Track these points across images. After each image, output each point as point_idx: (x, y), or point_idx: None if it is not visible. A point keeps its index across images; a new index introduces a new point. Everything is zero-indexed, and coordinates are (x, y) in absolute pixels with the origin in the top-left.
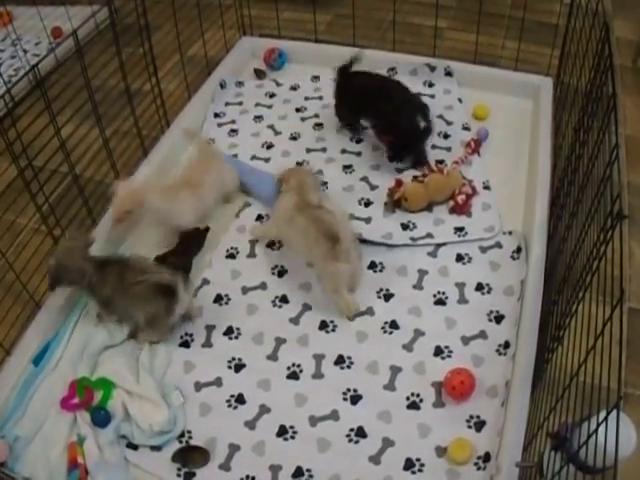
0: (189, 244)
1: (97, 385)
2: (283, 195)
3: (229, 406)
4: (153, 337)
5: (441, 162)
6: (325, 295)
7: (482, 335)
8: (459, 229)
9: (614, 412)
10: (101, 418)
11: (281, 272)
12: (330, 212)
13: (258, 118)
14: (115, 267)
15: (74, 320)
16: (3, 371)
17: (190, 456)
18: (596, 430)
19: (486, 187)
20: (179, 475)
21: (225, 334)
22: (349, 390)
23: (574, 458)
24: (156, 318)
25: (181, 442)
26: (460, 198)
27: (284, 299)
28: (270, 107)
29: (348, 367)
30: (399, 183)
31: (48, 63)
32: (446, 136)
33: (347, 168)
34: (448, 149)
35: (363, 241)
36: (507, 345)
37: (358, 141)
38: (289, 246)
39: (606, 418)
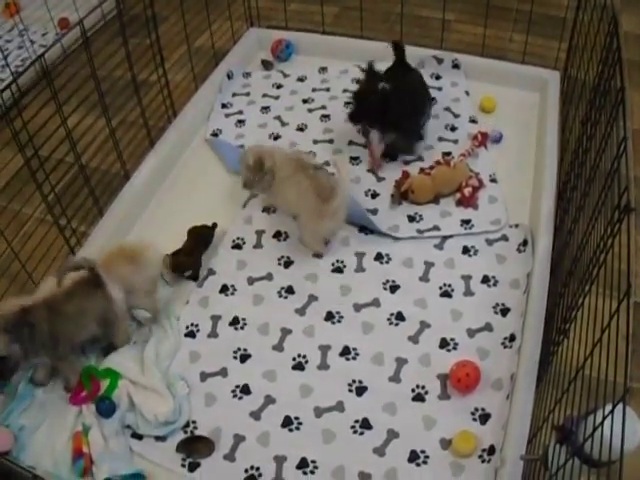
0: (198, 242)
1: (103, 375)
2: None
3: (234, 396)
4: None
5: (448, 154)
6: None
7: (488, 328)
8: (465, 222)
9: (619, 406)
10: (106, 408)
11: (287, 263)
12: (328, 174)
13: (265, 109)
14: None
15: None
16: None
17: (195, 446)
18: (602, 423)
19: (493, 180)
20: (183, 465)
21: (231, 324)
22: (354, 381)
23: (579, 451)
24: (107, 320)
25: (186, 432)
26: (467, 190)
27: (290, 290)
28: (277, 98)
29: (354, 358)
30: (406, 175)
31: (55, 53)
32: (453, 129)
33: (354, 160)
34: (455, 141)
35: (369, 232)
36: (513, 338)
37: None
38: (278, 199)
39: (612, 411)
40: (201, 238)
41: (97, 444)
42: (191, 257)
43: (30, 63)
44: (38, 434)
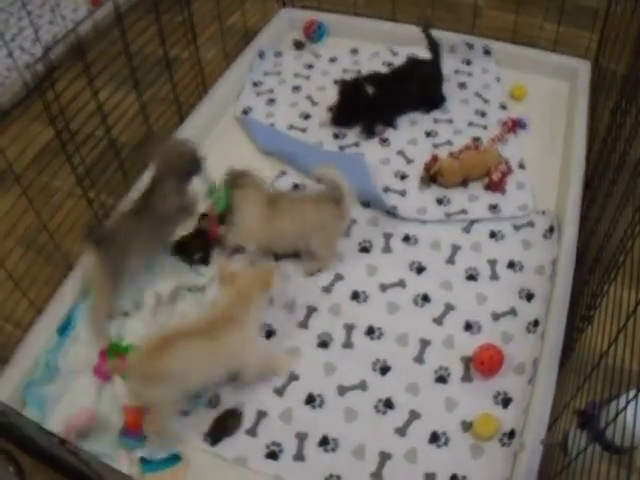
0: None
1: (126, 350)
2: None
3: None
4: None
5: (477, 139)
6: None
7: (512, 312)
8: (493, 206)
9: None
10: None
11: None
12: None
13: (296, 89)
14: None
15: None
16: (34, 331)
17: (225, 425)
18: (625, 409)
19: (521, 166)
20: (206, 440)
21: None
22: (378, 361)
23: (600, 437)
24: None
25: (210, 407)
26: (495, 175)
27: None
28: (308, 78)
29: (378, 338)
30: (435, 158)
31: (86, 29)
32: (483, 114)
33: (384, 141)
34: (484, 127)
35: (397, 213)
36: (537, 323)
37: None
38: (275, 244)
39: (635, 397)
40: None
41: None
42: (200, 240)
43: (63, 35)
44: (61, 404)
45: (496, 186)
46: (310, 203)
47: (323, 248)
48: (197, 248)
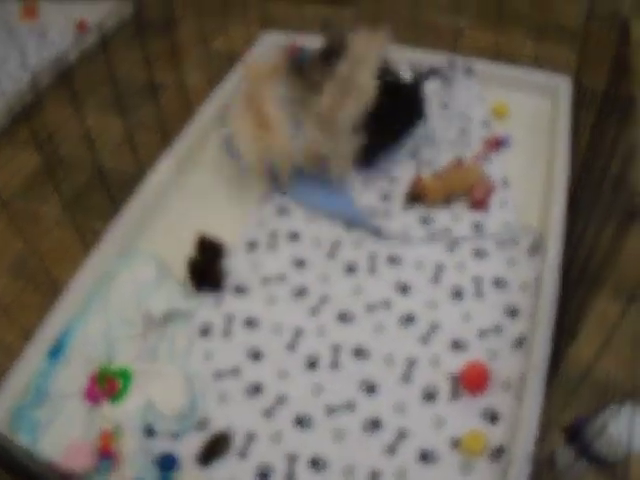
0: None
1: (117, 374)
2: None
3: (247, 395)
4: None
5: (460, 158)
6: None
7: (498, 329)
8: (477, 225)
9: (627, 406)
10: (169, 461)
11: (300, 263)
12: None
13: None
14: None
15: (89, 310)
16: (24, 356)
17: (216, 449)
18: (609, 423)
19: (504, 183)
20: (196, 463)
21: (244, 323)
22: (365, 381)
23: (587, 451)
24: None
25: (199, 430)
26: (478, 193)
27: (303, 290)
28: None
29: (365, 358)
30: (419, 178)
31: (73, 55)
32: (466, 133)
33: None
34: (468, 145)
35: (381, 234)
36: (522, 339)
37: None
38: None
39: (619, 411)
40: (212, 248)
41: (128, 445)
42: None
43: (50, 64)
44: (52, 429)
45: (479, 204)
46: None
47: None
48: (213, 274)
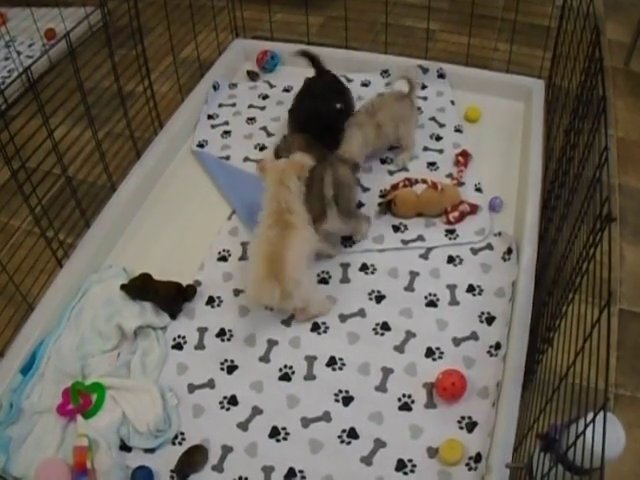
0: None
1: (91, 389)
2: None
3: (222, 408)
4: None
5: (433, 164)
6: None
7: (473, 336)
8: (450, 232)
9: (602, 413)
10: (145, 476)
11: None
12: None
13: (251, 120)
14: None
15: (62, 326)
16: None
17: (191, 460)
18: (584, 431)
19: (478, 189)
20: (172, 477)
21: (217, 336)
22: (341, 391)
23: (563, 459)
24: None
25: (174, 444)
26: (452, 216)
27: None
28: (263, 109)
29: (340, 368)
30: (394, 187)
31: (41, 65)
32: (438, 138)
33: None
34: (440, 151)
35: (353, 243)
36: (498, 346)
37: None
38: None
39: (593, 419)
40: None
41: (103, 460)
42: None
43: (17, 75)
44: (26, 445)
45: (452, 225)
46: (392, 99)
47: (408, 137)
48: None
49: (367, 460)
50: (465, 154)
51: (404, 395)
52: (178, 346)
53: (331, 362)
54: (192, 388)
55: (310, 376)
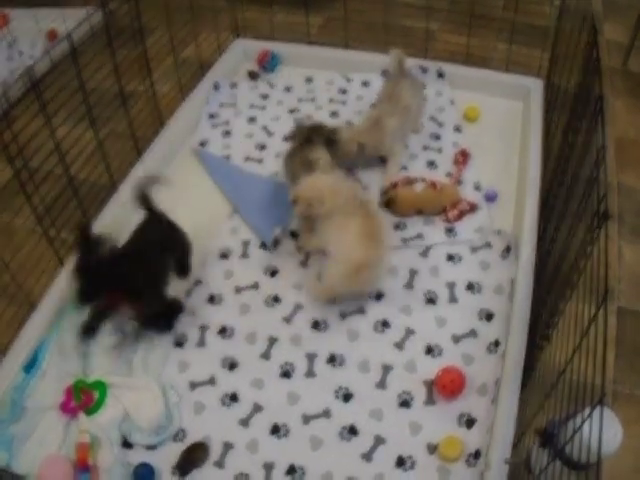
0: None
1: (93, 387)
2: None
3: (223, 404)
4: None
5: (432, 163)
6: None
7: (472, 334)
8: (449, 230)
9: (599, 408)
10: (147, 472)
11: (273, 272)
12: None
13: (252, 119)
14: None
15: (63, 325)
16: None
17: (193, 457)
18: (581, 427)
19: (477, 188)
20: (174, 473)
21: (219, 334)
22: (341, 388)
23: (561, 454)
24: None
25: (176, 440)
26: (452, 214)
27: (276, 299)
28: (263, 108)
29: (340, 365)
30: (394, 185)
31: (43, 65)
32: (437, 137)
33: None
34: (439, 150)
35: None
36: (497, 343)
37: None
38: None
39: (590, 415)
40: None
41: (105, 457)
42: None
43: (19, 76)
44: (28, 443)
45: (451, 223)
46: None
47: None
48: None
49: (367, 457)
50: (464, 153)
51: (404, 392)
52: (179, 344)
53: (331, 359)
54: (193, 385)
55: (310, 373)
